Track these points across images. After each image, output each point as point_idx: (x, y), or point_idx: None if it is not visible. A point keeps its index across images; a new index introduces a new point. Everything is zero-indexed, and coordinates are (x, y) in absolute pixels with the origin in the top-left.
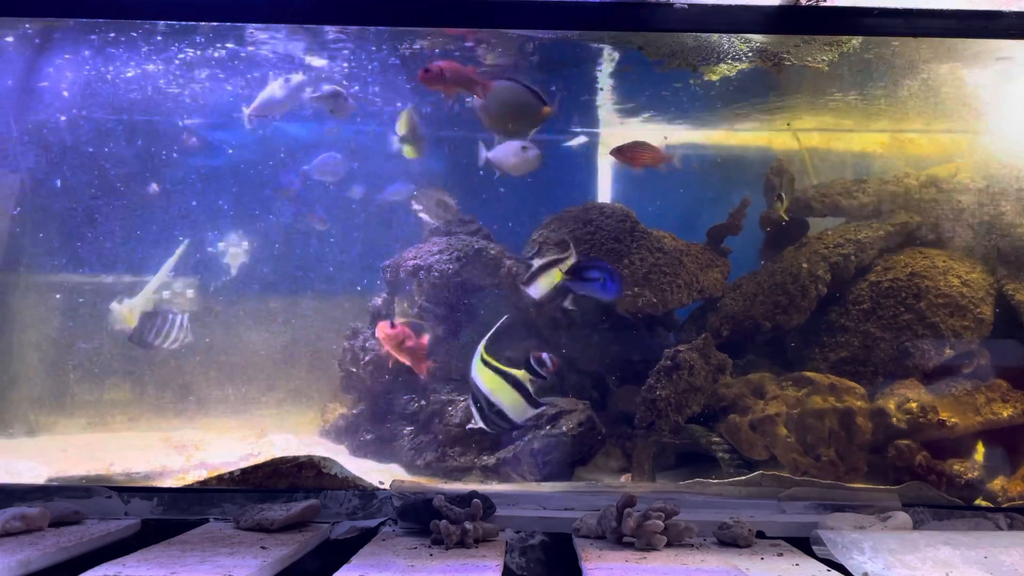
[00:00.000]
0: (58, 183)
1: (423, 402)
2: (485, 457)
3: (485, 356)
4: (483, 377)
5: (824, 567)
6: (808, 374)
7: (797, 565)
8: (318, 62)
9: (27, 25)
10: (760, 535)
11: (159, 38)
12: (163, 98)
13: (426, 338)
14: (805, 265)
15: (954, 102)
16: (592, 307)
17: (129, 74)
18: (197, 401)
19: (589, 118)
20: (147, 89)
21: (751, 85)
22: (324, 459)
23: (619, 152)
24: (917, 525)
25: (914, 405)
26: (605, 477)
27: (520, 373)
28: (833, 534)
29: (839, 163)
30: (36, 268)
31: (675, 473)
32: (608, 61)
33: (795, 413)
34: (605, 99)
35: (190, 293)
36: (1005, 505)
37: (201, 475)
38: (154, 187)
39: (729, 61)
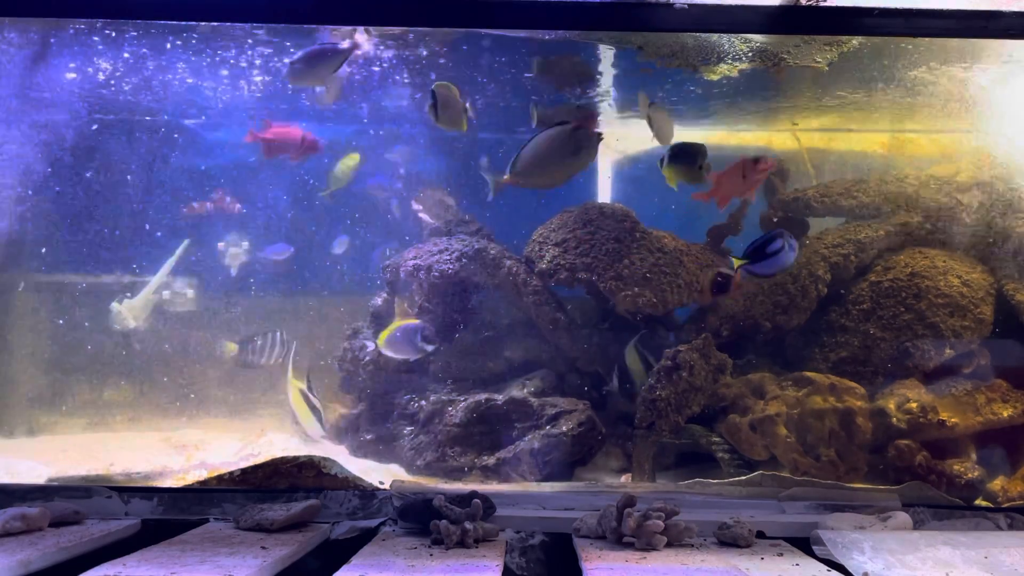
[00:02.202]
0: (58, 183)
1: (423, 402)
2: (485, 457)
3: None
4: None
5: (824, 567)
6: (808, 374)
7: (797, 565)
8: None
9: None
10: (760, 535)
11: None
12: (167, 96)
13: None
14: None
15: (955, 102)
16: (592, 307)
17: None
18: (197, 401)
19: None
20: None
21: (751, 85)
22: (324, 459)
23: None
24: (917, 525)
25: (914, 405)
26: (605, 477)
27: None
28: (833, 534)
29: (839, 163)
30: (36, 268)
31: (675, 473)
32: (607, 61)
33: (795, 413)
34: (605, 97)
35: (190, 293)
36: (1005, 505)
37: (201, 475)
38: (195, 204)
39: (729, 61)
